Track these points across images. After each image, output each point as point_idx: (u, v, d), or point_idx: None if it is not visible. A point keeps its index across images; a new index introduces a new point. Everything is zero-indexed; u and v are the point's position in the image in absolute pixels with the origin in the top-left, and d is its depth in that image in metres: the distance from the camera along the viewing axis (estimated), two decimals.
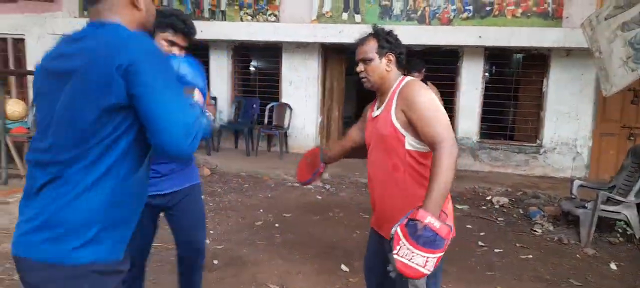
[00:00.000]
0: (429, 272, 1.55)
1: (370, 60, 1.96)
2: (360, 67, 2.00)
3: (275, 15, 7.73)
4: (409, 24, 7.14)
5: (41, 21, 8.42)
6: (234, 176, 6.51)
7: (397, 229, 1.58)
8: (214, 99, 8.17)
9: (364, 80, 2.01)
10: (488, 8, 6.89)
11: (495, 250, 4.11)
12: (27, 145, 6.00)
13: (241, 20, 7.86)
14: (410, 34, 7.04)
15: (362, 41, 2.01)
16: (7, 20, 8.81)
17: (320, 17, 7.50)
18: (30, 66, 8.80)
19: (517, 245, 4.26)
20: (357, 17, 7.35)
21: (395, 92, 1.93)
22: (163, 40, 1.99)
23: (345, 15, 7.40)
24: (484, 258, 3.94)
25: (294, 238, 4.20)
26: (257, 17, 7.81)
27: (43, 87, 1.29)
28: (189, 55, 1.84)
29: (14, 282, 3.13)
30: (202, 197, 2.44)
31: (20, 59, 9.05)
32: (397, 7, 7.19)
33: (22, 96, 9.05)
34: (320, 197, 5.64)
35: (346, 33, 7.19)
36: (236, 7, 7.85)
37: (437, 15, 7.08)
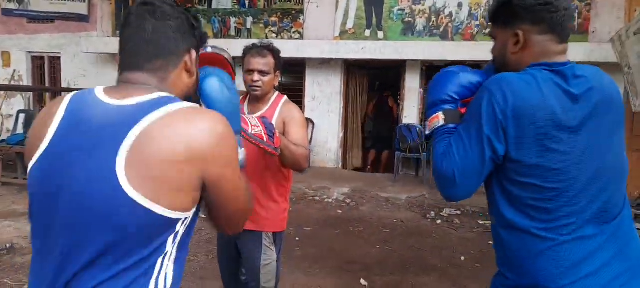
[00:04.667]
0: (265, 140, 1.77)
1: (267, 73, 2.08)
2: (256, 77, 2.07)
3: (299, 33, 7.88)
4: (432, 40, 7.17)
5: (76, 40, 8.80)
6: None
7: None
8: None
9: (257, 88, 2.08)
10: None
11: None
12: None
13: (266, 37, 8.04)
14: (433, 50, 7.06)
15: (262, 54, 2.08)
16: (45, 40, 9.26)
17: (343, 34, 7.61)
18: (64, 83, 9.19)
19: None
20: (380, 34, 7.42)
21: (278, 104, 2.14)
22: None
23: (367, 32, 7.48)
24: None
25: (314, 252, 4.23)
26: (282, 34, 7.98)
27: None
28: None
29: None
30: None
31: (55, 76, 9.47)
32: (420, 23, 7.24)
33: None
34: (340, 212, 5.66)
35: (368, 49, 7.25)
36: (261, 25, 8.05)
37: (459, 31, 7.09)
